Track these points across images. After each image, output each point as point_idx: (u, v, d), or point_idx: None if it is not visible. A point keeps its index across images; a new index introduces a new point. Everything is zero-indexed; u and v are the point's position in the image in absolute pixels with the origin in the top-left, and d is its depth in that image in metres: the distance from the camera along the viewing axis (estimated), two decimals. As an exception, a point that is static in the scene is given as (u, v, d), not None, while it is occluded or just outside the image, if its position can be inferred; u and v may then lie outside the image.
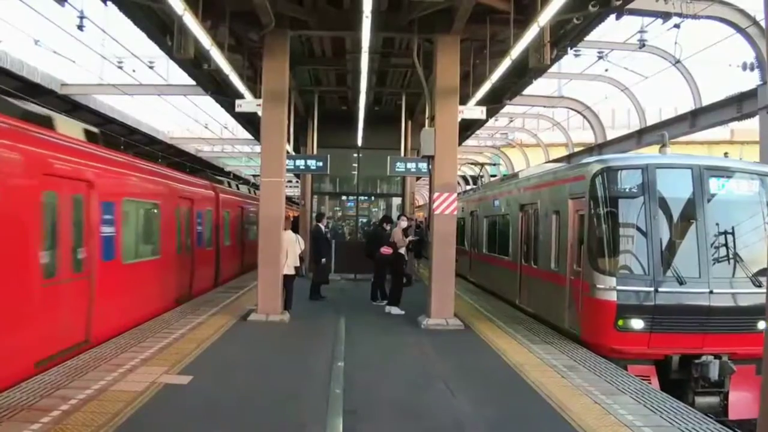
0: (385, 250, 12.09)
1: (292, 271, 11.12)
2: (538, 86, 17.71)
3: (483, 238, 16.91)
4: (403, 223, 12.91)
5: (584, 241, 8.98)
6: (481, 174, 33.68)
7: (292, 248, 11.11)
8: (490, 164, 28.13)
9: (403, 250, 12.66)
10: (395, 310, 11.82)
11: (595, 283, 8.41)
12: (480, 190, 20.18)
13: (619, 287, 8.16)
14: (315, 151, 17.44)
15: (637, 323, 8.04)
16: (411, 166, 15.60)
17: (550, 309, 10.41)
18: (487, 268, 16.43)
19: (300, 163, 15.85)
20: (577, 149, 22.44)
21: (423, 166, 14.20)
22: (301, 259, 11.62)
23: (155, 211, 11.36)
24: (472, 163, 29.31)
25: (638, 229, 8.48)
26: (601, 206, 8.64)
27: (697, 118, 14.25)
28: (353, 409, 5.85)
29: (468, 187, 34.09)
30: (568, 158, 20.39)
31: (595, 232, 8.69)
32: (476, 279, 17.54)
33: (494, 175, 30.96)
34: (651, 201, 8.38)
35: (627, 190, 8.57)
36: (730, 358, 7.85)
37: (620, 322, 8.08)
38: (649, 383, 7.40)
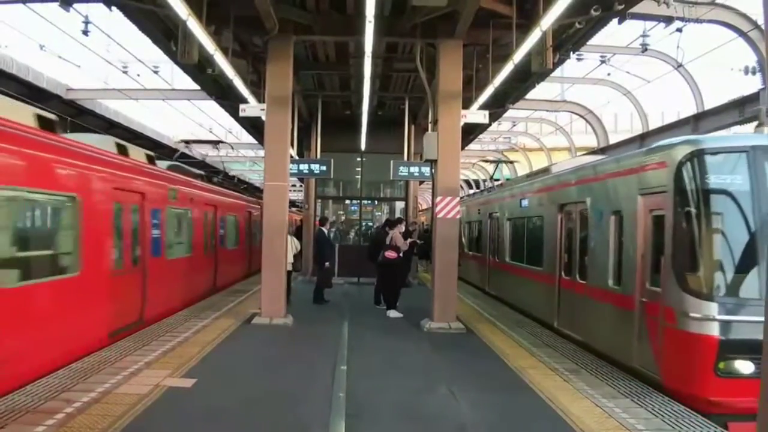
0: (390, 254, 12.09)
1: (289, 267, 12.28)
2: (541, 90, 17.71)
3: (506, 244, 14.54)
4: (402, 227, 12.92)
5: (665, 252, 6.75)
6: (485, 179, 33.64)
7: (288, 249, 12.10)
8: (507, 161, 25.38)
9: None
10: (393, 314, 11.85)
11: (686, 309, 6.27)
12: (501, 188, 17.39)
13: (720, 316, 6.09)
14: (318, 156, 17.52)
15: (745, 366, 6.01)
16: (414, 170, 15.72)
17: (609, 339, 8.23)
18: (511, 281, 13.98)
19: (304, 167, 15.95)
20: (579, 153, 22.43)
21: (426, 170, 14.30)
22: (296, 256, 13.53)
23: None
24: (485, 160, 26.09)
25: (746, 235, 6.39)
26: (691, 204, 6.49)
27: (699, 122, 14.23)
28: (356, 412, 5.87)
29: (471, 190, 33.89)
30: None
31: (683, 239, 6.52)
32: (497, 292, 15.11)
33: (497, 179, 30.88)
34: (762, 196, 6.29)
35: (729, 181, 6.43)
36: None
37: (722, 365, 6.07)
38: None
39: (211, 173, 18.81)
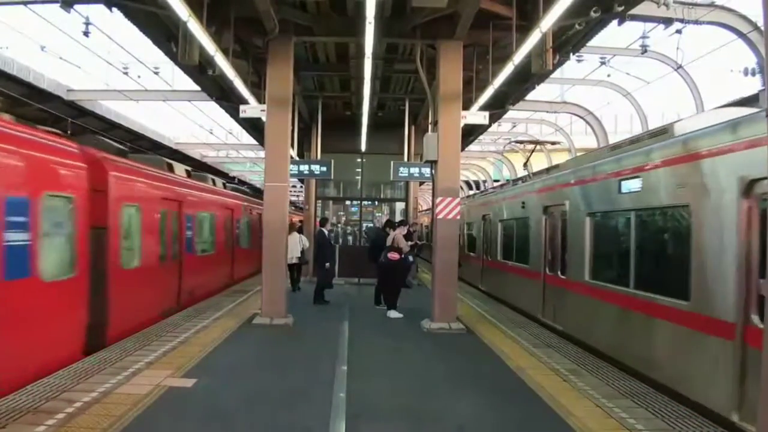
0: (392, 255, 12.09)
1: (294, 261, 14.68)
2: (541, 92, 17.75)
3: (586, 256, 9.69)
4: (404, 229, 12.93)
5: None
6: (485, 180, 33.53)
7: (295, 245, 14.63)
8: (549, 143, 19.75)
9: (410, 257, 12.80)
10: (393, 314, 11.86)
11: None
12: (567, 170, 11.42)
13: None
14: (319, 157, 17.56)
15: None
16: (414, 171, 15.77)
17: None
18: (607, 315, 8.84)
19: (304, 168, 15.99)
20: (579, 154, 22.43)
21: (426, 170, 14.31)
22: (303, 252, 15.05)
23: None
24: (518, 142, 20.19)
25: None
26: None
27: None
28: (357, 412, 5.88)
29: (472, 191, 33.69)
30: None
31: None
32: (573, 329, 10.06)
33: (497, 180, 30.83)
34: None
35: None
36: None
37: None
38: None
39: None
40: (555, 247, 11.35)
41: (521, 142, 19.68)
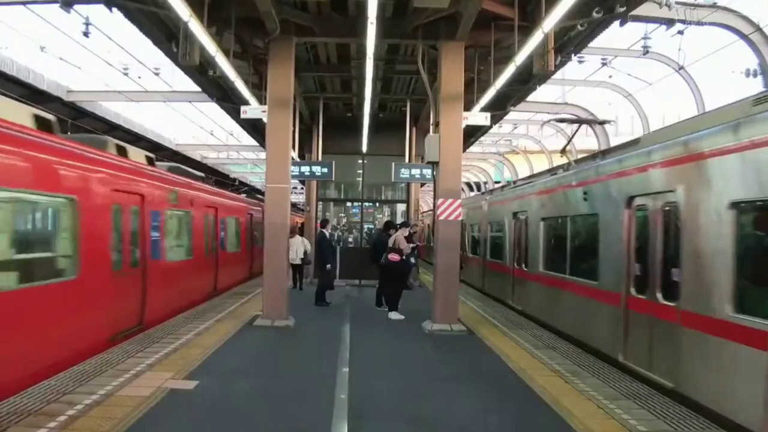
0: (393, 257, 12.08)
1: (298, 262, 15.45)
2: (542, 93, 17.66)
3: (729, 276, 5.90)
4: (406, 231, 12.91)
5: None
6: (485, 181, 33.52)
7: (298, 247, 15.31)
8: (598, 122, 16.97)
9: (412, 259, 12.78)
10: (394, 315, 11.84)
11: None
12: (672, 140, 7.36)
13: None
14: (320, 158, 17.57)
15: None
16: (415, 172, 15.73)
17: None
18: None
19: (305, 169, 15.97)
20: (580, 156, 22.41)
21: (427, 172, 14.30)
22: (306, 252, 15.49)
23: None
24: (559, 120, 16.04)
25: None
26: None
27: (701, 124, 14.16)
28: (358, 414, 5.86)
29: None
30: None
31: None
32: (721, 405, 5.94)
33: (498, 181, 30.82)
34: None
35: None
36: None
37: None
38: None
39: None
40: (651, 258, 7.62)
41: (562, 120, 16.19)
